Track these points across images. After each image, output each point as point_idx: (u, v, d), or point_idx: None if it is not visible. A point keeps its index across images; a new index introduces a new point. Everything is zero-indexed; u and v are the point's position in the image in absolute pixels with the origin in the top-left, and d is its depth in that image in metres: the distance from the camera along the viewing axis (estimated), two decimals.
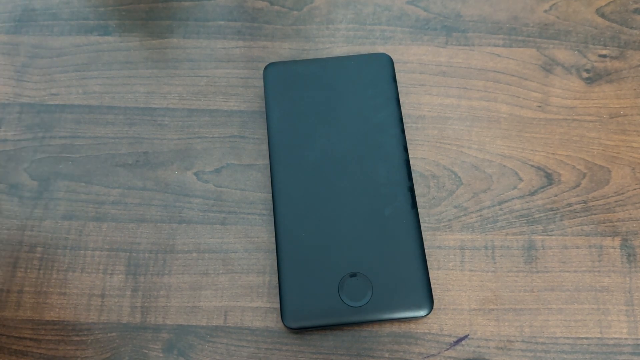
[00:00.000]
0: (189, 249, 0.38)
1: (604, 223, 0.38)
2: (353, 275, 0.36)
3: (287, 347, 0.36)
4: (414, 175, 0.40)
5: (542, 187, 0.39)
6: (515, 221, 0.38)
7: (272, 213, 0.39)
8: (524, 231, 0.38)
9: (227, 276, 0.37)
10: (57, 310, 0.37)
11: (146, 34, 0.44)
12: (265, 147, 0.41)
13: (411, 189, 0.38)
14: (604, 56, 0.43)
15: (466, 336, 0.36)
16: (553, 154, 0.40)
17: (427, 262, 0.37)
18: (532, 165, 0.40)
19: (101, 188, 0.40)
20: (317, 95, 0.40)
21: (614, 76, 0.42)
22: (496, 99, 0.42)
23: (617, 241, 0.38)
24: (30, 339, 0.36)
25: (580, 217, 0.38)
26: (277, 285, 0.37)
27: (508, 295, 0.37)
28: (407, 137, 0.41)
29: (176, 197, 0.39)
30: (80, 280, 0.37)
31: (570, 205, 0.39)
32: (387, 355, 0.36)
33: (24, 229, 0.39)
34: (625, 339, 0.36)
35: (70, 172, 0.40)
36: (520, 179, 0.40)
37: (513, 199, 0.39)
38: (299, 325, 0.35)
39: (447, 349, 0.36)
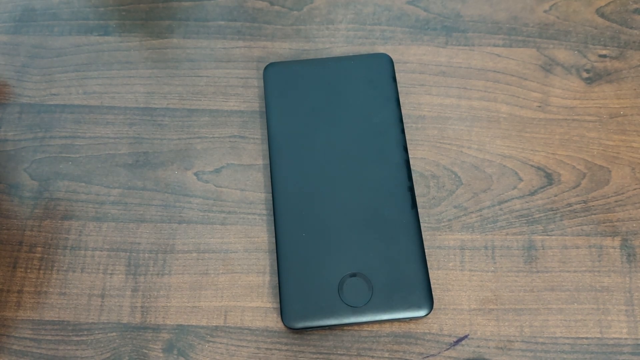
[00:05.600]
0: (189, 249, 0.38)
1: (604, 223, 0.38)
2: (353, 275, 0.36)
3: (287, 347, 0.36)
4: (414, 175, 0.40)
5: (542, 187, 0.39)
6: (515, 221, 0.38)
7: (272, 213, 0.39)
8: (524, 231, 0.38)
9: (227, 276, 0.37)
10: (57, 310, 0.37)
11: (146, 34, 0.44)
12: (265, 147, 0.41)
13: (411, 189, 0.38)
14: (604, 56, 0.43)
15: (466, 336, 0.36)
16: (553, 154, 0.40)
17: (427, 262, 0.37)
18: (532, 165, 0.40)
19: (101, 188, 0.40)
20: (317, 95, 0.40)
21: (614, 76, 0.42)
22: (496, 99, 0.42)
23: (617, 241, 0.38)
24: (30, 339, 0.36)
25: (580, 217, 0.38)
26: (277, 285, 0.37)
27: (508, 295, 0.37)
28: (407, 137, 0.41)
29: (176, 197, 0.39)
30: (80, 280, 0.37)
31: (570, 205, 0.39)
32: (387, 355, 0.36)
33: (24, 229, 0.39)
34: (625, 339, 0.36)
35: (70, 172, 0.40)
36: (520, 179, 0.40)
37: (513, 199, 0.39)
38: (299, 325, 0.35)
39: (447, 349, 0.36)
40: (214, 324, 0.36)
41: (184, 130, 0.41)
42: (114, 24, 0.45)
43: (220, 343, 0.36)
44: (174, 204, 0.39)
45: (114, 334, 0.36)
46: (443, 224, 0.38)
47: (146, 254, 0.38)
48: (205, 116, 0.42)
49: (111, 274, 0.38)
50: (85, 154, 0.41)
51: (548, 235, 0.38)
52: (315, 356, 0.36)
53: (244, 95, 0.42)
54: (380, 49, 0.43)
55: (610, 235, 0.38)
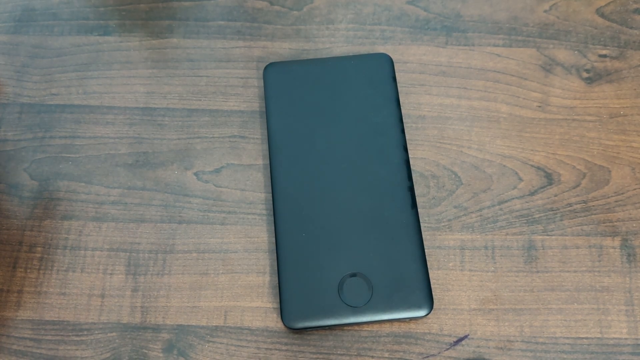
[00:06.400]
0: (189, 249, 0.38)
1: (604, 223, 0.38)
2: (353, 275, 0.36)
3: (287, 347, 0.36)
4: (414, 175, 0.40)
5: (542, 187, 0.39)
6: (515, 221, 0.38)
7: (272, 213, 0.39)
8: (524, 231, 0.38)
9: (227, 276, 0.37)
10: (57, 310, 0.37)
11: (146, 34, 0.44)
12: (265, 147, 0.41)
13: (411, 189, 0.38)
14: (604, 56, 0.43)
15: (466, 336, 0.36)
16: (553, 154, 0.40)
17: (427, 262, 0.37)
18: (532, 165, 0.40)
19: (101, 188, 0.40)
20: (317, 95, 0.40)
21: (614, 76, 0.42)
22: (496, 99, 0.42)
23: (617, 241, 0.38)
24: (30, 339, 0.36)
25: (580, 217, 0.38)
26: (277, 285, 0.37)
27: (508, 295, 0.37)
28: (407, 137, 0.41)
29: (176, 197, 0.39)
30: (80, 280, 0.37)
31: (570, 205, 0.39)
32: (387, 355, 0.36)
33: (24, 229, 0.39)
34: (625, 339, 0.36)
35: (70, 172, 0.40)
36: (520, 179, 0.40)
37: (513, 199, 0.39)
38: (299, 325, 0.35)
39: (447, 349, 0.36)
40: (214, 324, 0.36)
41: (184, 130, 0.41)
42: (114, 24, 0.45)
43: (220, 343, 0.36)
44: (174, 204, 0.39)
45: (114, 334, 0.36)
46: (443, 224, 0.38)
47: (146, 254, 0.38)
48: (205, 116, 0.42)
49: (111, 274, 0.38)
50: (85, 154, 0.41)
51: (548, 235, 0.38)
52: (315, 356, 0.36)
53: (244, 95, 0.42)
54: (380, 49, 0.43)
55: (610, 235, 0.38)
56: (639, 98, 0.42)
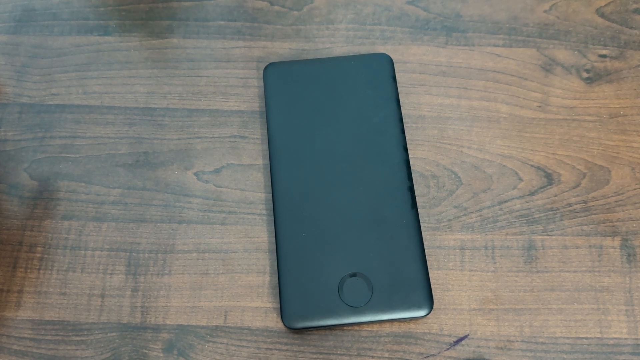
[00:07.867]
0: (189, 249, 0.38)
1: (604, 223, 0.38)
2: (353, 275, 0.36)
3: (287, 347, 0.36)
4: (414, 175, 0.40)
5: (542, 187, 0.39)
6: (515, 221, 0.38)
7: (272, 213, 0.39)
8: (524, 231, 0.38)
9: (227, 276, 0.37)
10: (57, 310, 0.37)
11: (146, 34, 0.44)
12: (265, 147, 0.41)
13: (411, 189, 0.38)
14: (604, 56, 0.43)
15: (466, 336, 0.36)
16: (553, 154, 0.40)
17: (427, 262, 0.37)
18: (532, 165, 0.40)
19: (101, 188, 0.40)
20: (317, 95, 0.40)
21: (614, 76, 0.42)
22: (496, 99, 0.42)
23: (617, 241, 0.38)
24: (30, 339, 0.36)
25: (580, 217, 0.38)
26: (277, 285, 0.37)
27: (508, 295, 0.37)
28: (407, 137, 0.41)
29: (176, 197, 0.39)
30: (80, 280, 0.37)
31: (570, 205, 0.39)
32: (387, 355, 0.36)
33: (24, 229, 0.39)
34: (625, 339, 0.36)
35: (70, 172, 0.40)
36: (520, 179, 0.40)
37: (513, 199, 0.39)
38: (299, 325, 0.35)
39: (447, 349, 0.36)
40: (214, 324, 0.36)
41: (184, 130, 0.41)
42: (114, 24, 0.45)
43: (220, 343, 0.36)
44: (174, 204, 0.39)
45: (114, 334, 0.36)
46: (443, 224, 0.38)
47: (146, 254, 0.38)
48: (205, 116, 0.42)
49: (111, 274, 0.38)
50: (85, 154, 0.41)
51: (548, 235, 0.38)
52: (315, 356, 0.36)
53: (244, 95, 0.42)
54: (380, 49, 0.43)
55: (610, 235, 0.38)
56: (639, 98, 0.42)
